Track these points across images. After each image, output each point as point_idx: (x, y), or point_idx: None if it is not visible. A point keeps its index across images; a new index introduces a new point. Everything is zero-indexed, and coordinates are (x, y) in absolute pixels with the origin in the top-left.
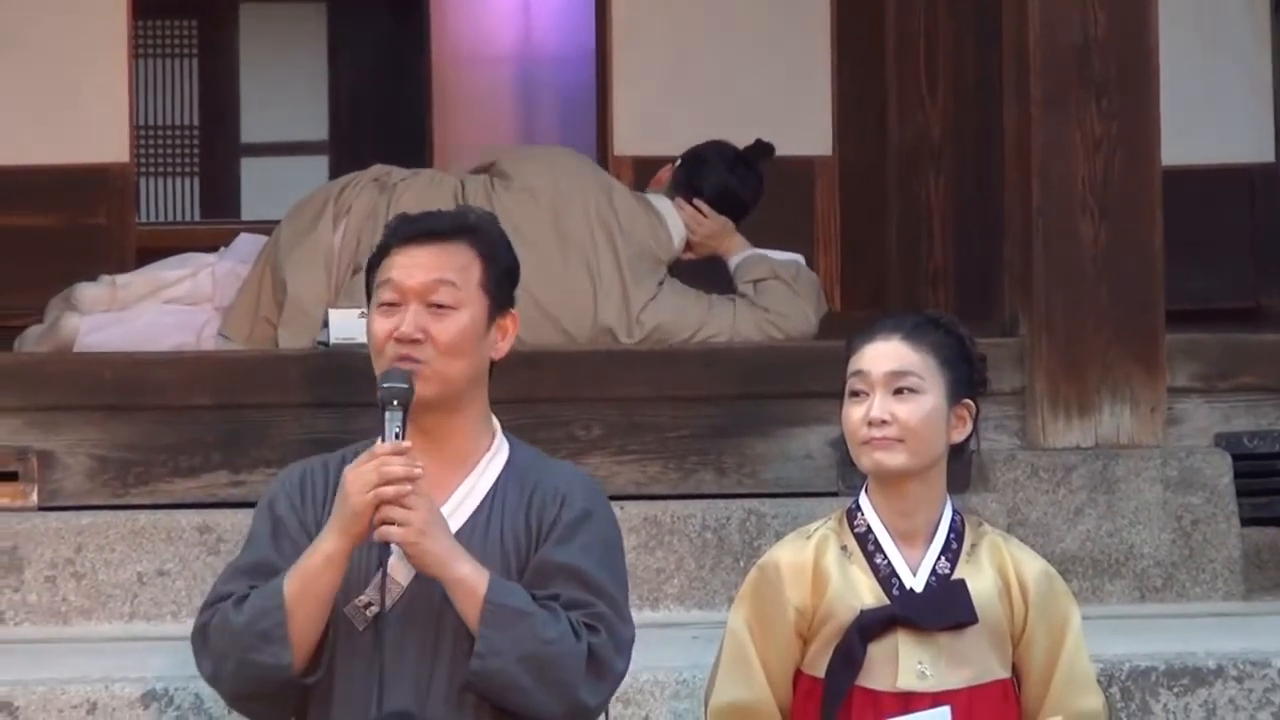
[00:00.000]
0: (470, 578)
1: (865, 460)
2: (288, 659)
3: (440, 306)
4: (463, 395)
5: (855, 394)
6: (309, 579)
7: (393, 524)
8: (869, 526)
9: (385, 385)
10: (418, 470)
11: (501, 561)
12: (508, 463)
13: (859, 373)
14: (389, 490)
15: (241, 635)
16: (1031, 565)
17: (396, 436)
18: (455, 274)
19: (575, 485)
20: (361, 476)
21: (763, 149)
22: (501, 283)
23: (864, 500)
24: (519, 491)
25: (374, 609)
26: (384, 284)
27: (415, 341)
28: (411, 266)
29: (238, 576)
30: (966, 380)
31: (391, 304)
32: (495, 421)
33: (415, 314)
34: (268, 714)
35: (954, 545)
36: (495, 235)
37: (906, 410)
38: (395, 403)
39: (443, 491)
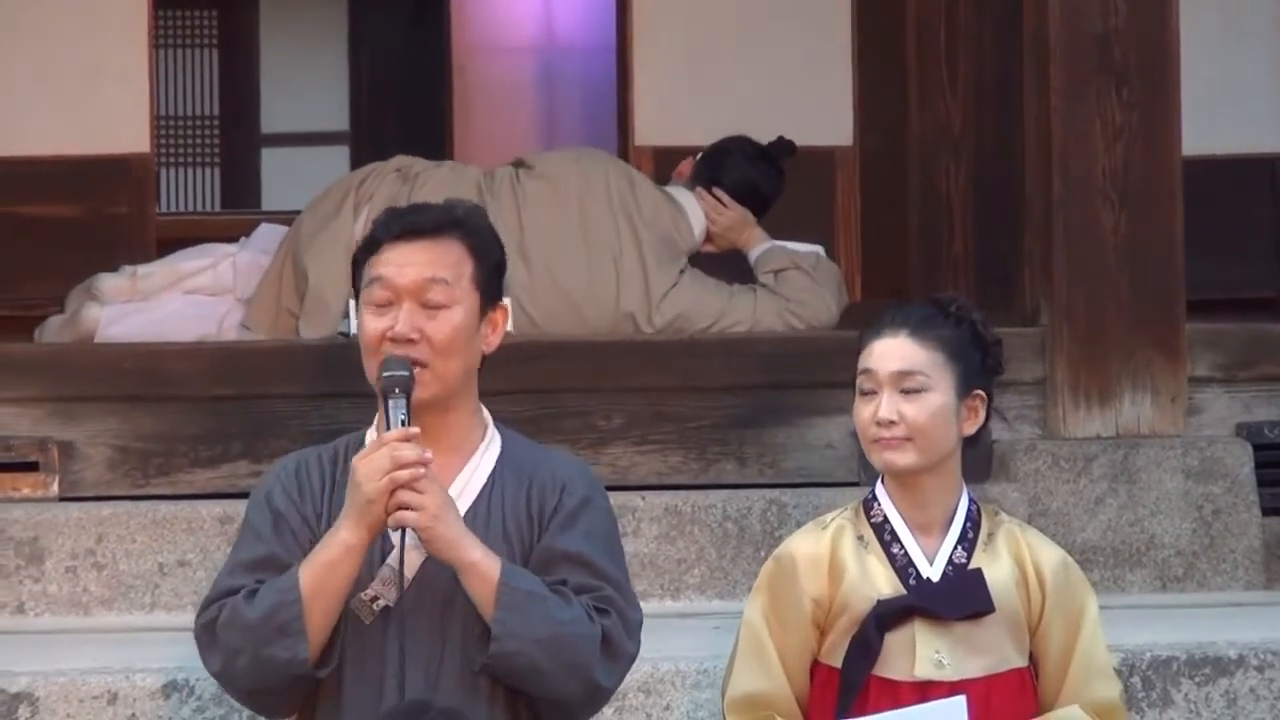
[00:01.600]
0: (483, 562)
1: (876, 459)
2: (304, 653)
3: (433, 305)
4: (457, 392)
5: (864, 392)
6: (327, 571)
7: (407, 509)
8: (885, 517)
9: (386, 374)
10: (428, 455)
11: (505, 550)
12: (501, 453)
13: (867, 371)
14: (403, 474)
15: (256, 629)
16: (1048, 554)
17: (403, 423)
18: (447, 271)
19: (573, 472)
20: (373, 463)
21: (785, 146)
22: (492, 277)
23: (880, 491)
24: (517, 480)
25: (381, 602)
26: (375, 281)
27: (411, 341)
28: (404, 264)
29: (240, 571)
30: (978, 370)
31: (384, 303)
32: (486, 413)
33: (409, 313)
34: (279, 709)
35: (970, 535)
36: (484, 229)
37: (914, 409)
38: (397, 390)
39: None
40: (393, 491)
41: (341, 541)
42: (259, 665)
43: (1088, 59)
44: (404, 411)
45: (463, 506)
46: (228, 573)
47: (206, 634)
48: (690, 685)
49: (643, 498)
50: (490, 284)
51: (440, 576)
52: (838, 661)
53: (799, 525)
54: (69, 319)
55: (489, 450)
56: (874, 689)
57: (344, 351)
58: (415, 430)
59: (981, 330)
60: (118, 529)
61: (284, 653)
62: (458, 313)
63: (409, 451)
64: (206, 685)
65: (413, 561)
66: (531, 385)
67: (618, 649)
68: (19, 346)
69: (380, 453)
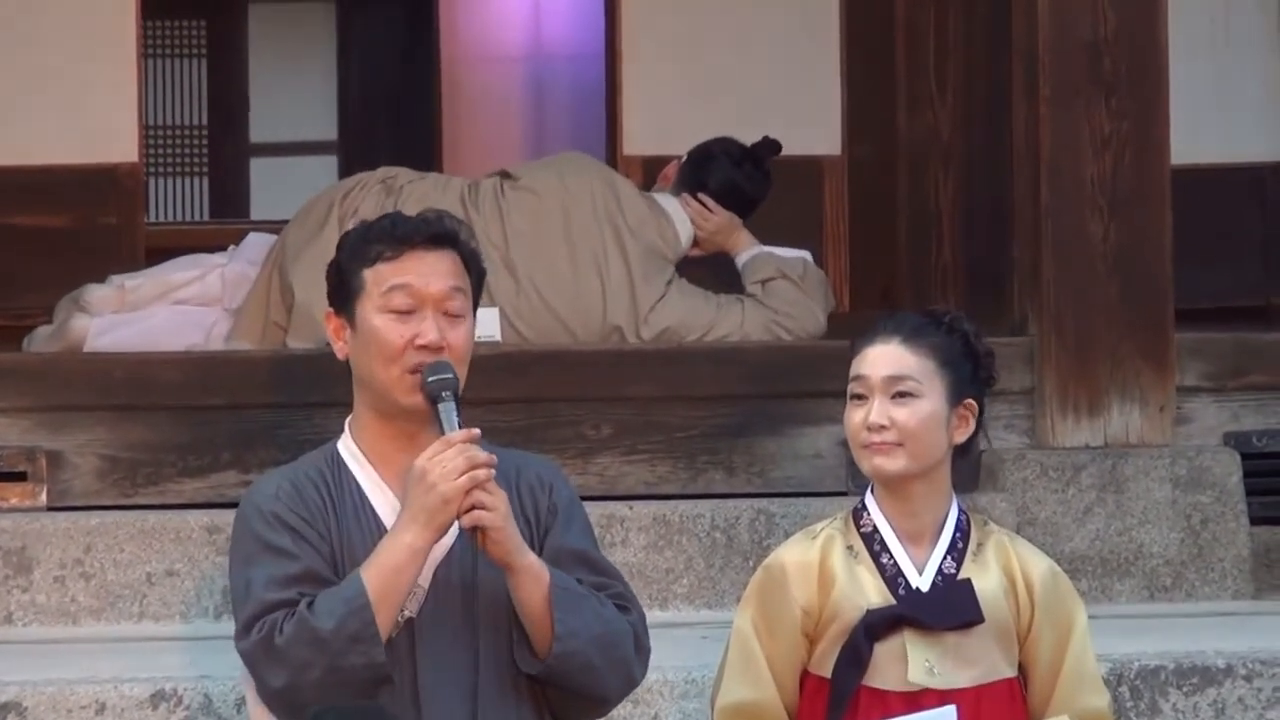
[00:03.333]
0: (536, 564)
1: (866, 464)
2: (381, 657)
3: (453, 314)
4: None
5: (855, 398)
6: (393, 575)
7: (482, 510)
8: (875, 526)
9: (433, 378)
10: (494, 456)
11: None
12: None
13: (858, 377)
14: (483, 473)
15: (329, 641)
16: (1037, 564)
17: (459, 426)
18: (462, 280)
19: (550, 471)
20: (446, 464)
21: (769, 146)
22: (478, 289)
23: (869, 500)
24: (505, 483)
25: (406, 613)
26: (397, 289)
27: (440, 349)
28: (428, 273)
29: (276, 587)
30: (969, 379)
31: (406, 310)
32: None
33: (436, 321)
34: None
35: (960, 544)
36: (473, 242)
37: (904, 414)
38: (446, 393)
39: None
40: (469, 493)
41: (408, 545)
42: (334, 676)
43: (1077, 68)
44: (457, 414)
45: None
46: (264, 589)
47: (264, 652)
48: (678, 695)
49: (630, 507)
50: (477, 297)
51: (453, 584)
52: (827, 671)
53: (787, 535)
54: (57, 330)
55: None
56: (864, 699)
57: (333, 361)
58: (477, 432)
59: (973, 341)
60: (106, 539)
61: (360, 659)
62: (470, 321)
63: (481, 452)
64: (194, 695)
65: (425, 573)
66: (521, 394)
67: (643, 643)
68: (7, 356)
69: (451, 453)
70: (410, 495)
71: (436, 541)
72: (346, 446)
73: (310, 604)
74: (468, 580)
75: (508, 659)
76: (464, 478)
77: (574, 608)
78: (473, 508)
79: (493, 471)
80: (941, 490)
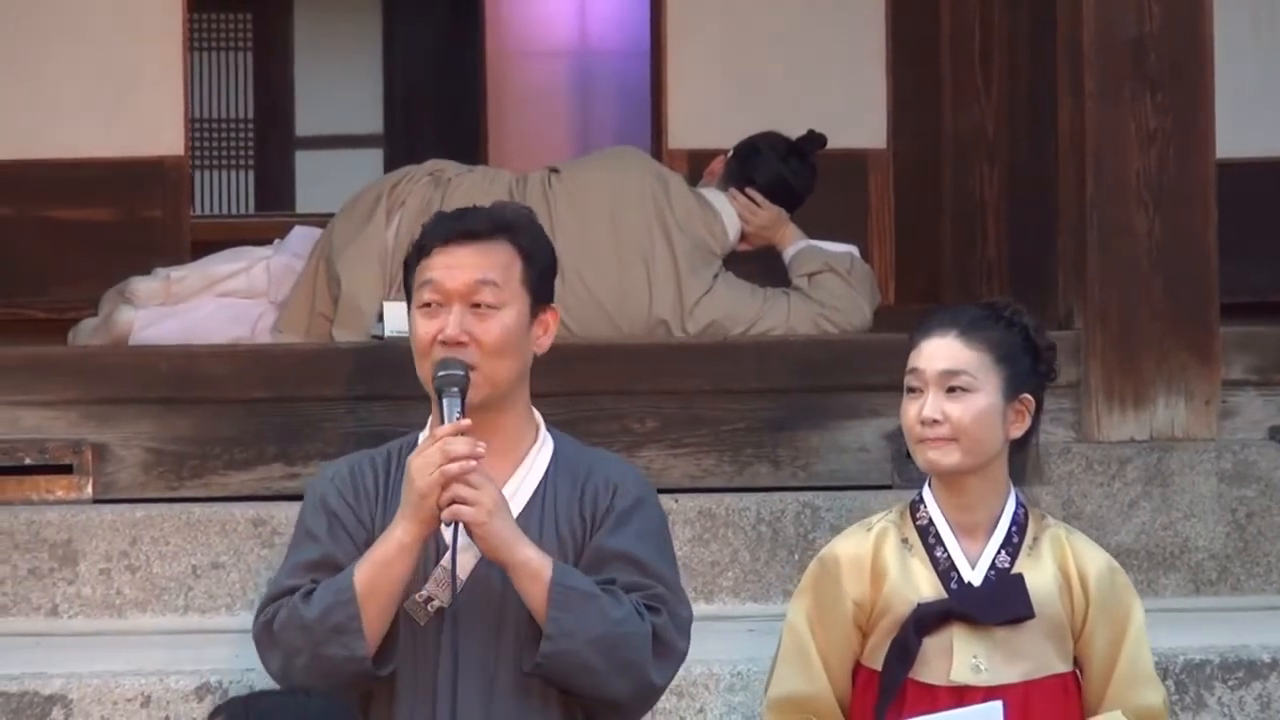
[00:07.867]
0: (534, 561)
1: (920, 459)
2: (361, 650)
3: (483, 307)
4: (509, 394)
5: (911, 390)
6: (380, 568)
7: (463, 504)
8: (930, 519)
9: (441, 373)
10: (481, 448)
11: (559, 552)
12: (554, 455)
13: (914, 370)
14: (453, 467)
15: (313, 629)
16: (1094, 559)
17: (457, 419)
18: (497, 273)
19: (625, 474)
20: (425, 459)
21: (815, 139)
22: (543, 278)
23: (927, 493)
24: (570, 483)
25: (436, 603)
26: (425, 285)
27: (460, 344)
28: (453, 267)
29: (298, 572)
30: (1027, 373)
31: (434, 305)
32: (538, 415)
33: (459, 316)
34: None
35: (1015, 539)
36: (535, 230)
37: (959, 409)
38: (453, 389)
39: None
40: (446, 486)
41: (395, 539)
42: (318, 664)
43: (1122, 62)
44: (459, 409)
45: (516, 508)
46: (286, 574)
47: (265, 635)
48: (724, 688)
49: (676, 500)
50: (541, 285)
51: (493, 578)
52: (879, 664)
53: (832, 528)
54: (102, 322)
55: (541, 452)
56: (911, 693)
57: (379, 353)
58: (467, 423)
59: (1033, 335)
60: (151, 531)
61: (341, 651)
62: (508, 314)
63: (460, 445)
64: (239, 688)
65: (465, 563)
66: (566, 388)
67: (669, 646)
68: (54, 349)
69: (433, 448)
70: (403, 491)
71: (426, 537)
72: (424, 434)
73: (309, 592)
74: (503, 576)
75: (531, 655)
76: (436, 472)
77: (571, 607)
78: (453, 501)
79: (471, 464)
80: (998, 484)
